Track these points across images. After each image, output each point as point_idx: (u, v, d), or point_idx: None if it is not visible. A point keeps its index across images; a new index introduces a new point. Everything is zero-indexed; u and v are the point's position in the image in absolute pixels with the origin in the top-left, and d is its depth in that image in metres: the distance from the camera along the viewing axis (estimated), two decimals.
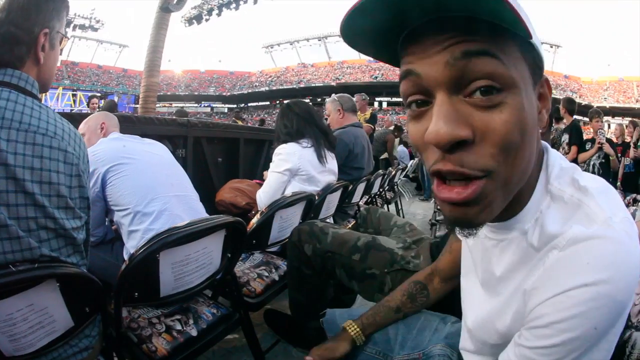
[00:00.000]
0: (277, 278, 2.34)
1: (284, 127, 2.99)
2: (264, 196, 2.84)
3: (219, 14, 24.21)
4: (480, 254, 0.87)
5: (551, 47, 62.39)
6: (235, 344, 2.43)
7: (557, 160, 0.78)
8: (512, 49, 0.63)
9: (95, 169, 1.96)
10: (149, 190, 2.02)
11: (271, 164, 2.93)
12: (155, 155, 2.24)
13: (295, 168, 2.87)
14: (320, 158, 2.97)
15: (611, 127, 6.94)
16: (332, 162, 3.15)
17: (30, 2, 1.30)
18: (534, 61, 0.67)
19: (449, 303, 1.31)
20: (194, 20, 24.86)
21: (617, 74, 63.07)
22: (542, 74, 0.71)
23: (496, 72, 0.60)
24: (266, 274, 2.32)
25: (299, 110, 3.04)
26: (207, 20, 24.63)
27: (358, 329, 1.30)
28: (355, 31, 0.67)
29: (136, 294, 1.52)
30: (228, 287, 1.97)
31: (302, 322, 2.04)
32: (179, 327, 1.67)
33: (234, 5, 23.58)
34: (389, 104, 60.07)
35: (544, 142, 0.80)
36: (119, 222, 2.04)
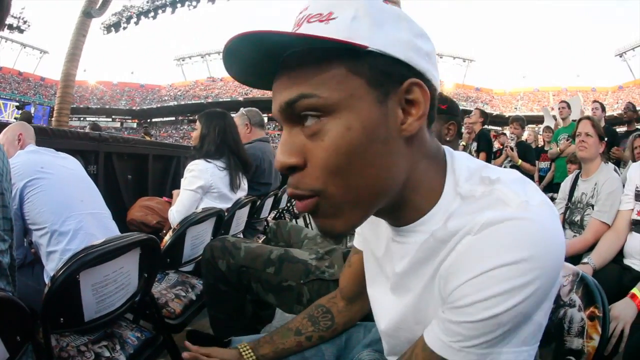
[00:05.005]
0: (194, 297, 2.32)
1: (203, 138, 3.01)
2: (177, 215, 2.79)
3: (137, 23, 24.06)
4: (388, 258, 0.89)
5: (464, 61, 65.76)
6: None
7: (463, 163, 0.79)
8: (334, 73, 0.65)
9: (13, 183, 1.85)
10: (64, 207, 1.97)
11: (183, 181, 2.89)
12: (70, 170, 2.18)
13: (207, 185, 2.86)
14: (233, 180, 3.00)
15: (525, 133, 7.47)
16: (243, 184, 3.19)
17: None
18: (377, 70, 0.67)
19: None
20: (112, 28, 24.42)
21: (533, 85, 67.53)
22: (401, 80, 0.69)
23: (312, 106, 0.65)
24: (183, 293, 2.29)
25: (230, 132, 3.10)
26: (124, 28, 24.33)
27: (249, 349, 1.23)
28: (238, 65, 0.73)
29: (62, 319, 1.47)
30: (148, 309, 1.93)
31: (225, 340, 2.03)
32: (107, 354, 1.63)
33: (152, 14, 23.54)
34: None
35: (447, 148, 0.83)
36: (37, 243, 1.96)
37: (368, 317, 1.31)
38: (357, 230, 1.11)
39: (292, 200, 5.17)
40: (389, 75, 0.68)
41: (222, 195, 2.94)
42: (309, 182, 0.67)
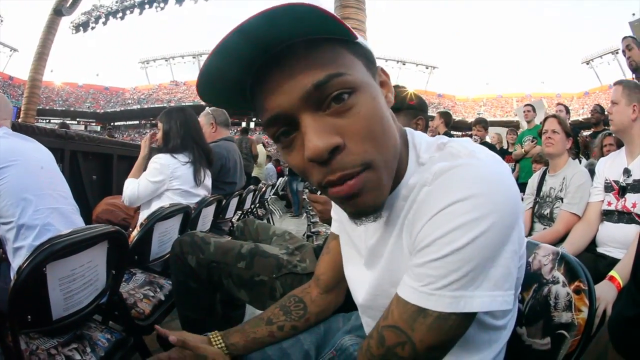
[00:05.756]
0: (163, 298, 2.27)
1: (167, 134, 3.00)
2: (129, 192, 2.85)
3: (105, 23, 24.13)
4: (363, 235, 0.95)
5: (427, 68, 67.01)
6: None
7: (422, 138, 0.88)
8: (347, 56, 0.72)
9: None
10: (32, 198, 1.89)
11: (147, 170, 2.90)
12: (40, 160, 2.09)
13: (166, 181, 2.87)
14: (197, 173, 3.00)
15: (488, 136, 7.84)
16: (207, 180, 3.19)
17: None
18: (366, 57, 0.77)
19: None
20: (81, 27, 24.29)
21: (496, 91, 69.15)
22: (375, 66, 0.81)
23: (344, 83, 0.69)
24: (152, 293, 2.24)
25: (192, 124, 3.08)
26: (92, 28, 24.40)
27: (219, 337, 1.20)
28: (211, 87, 0.75)
29: (29, 317, 1.40)
30: (117, 310, 1.88)
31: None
32: (78, 357, 1.58)
33: (120, 15, 23.66)
34: (257, 123, 60.63)
35: (407, 128, 0.91)
36: (4, 237, 1.88)
37: (342, 309, 1.32)
38: (334, 216, 1.18)
39: (256, 201, 5.19)
40: (371, 62, 0.79)
41: (185, 192, 2.95)
42: (355, 158, 0.70)
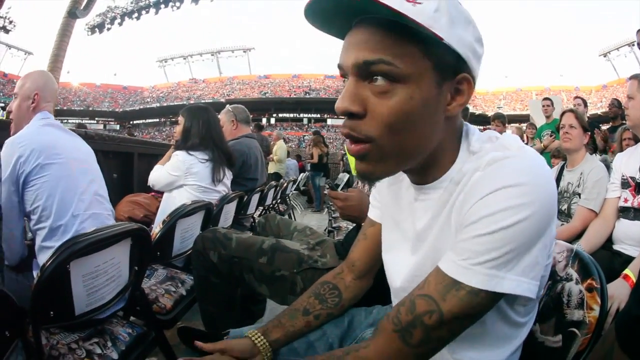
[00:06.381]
0: (184, 293, 2.30)
1: (187, 131, 3.04)
2: (152, 177, 3.03)
3: (120, 23, 24.11)
4: (410, 218, 0.99)
5: None
6: None
7: (475, 130, 0.94)
8: (413, 51, 0.77)
9: (19, 166, 1.79)
10: (71, 202, 1.89)
11: (169, 162, 2.99)
12: (81, 160, 2.08)
13: (182, 176, 2.91)
14: (215, 172, 3.03)
15: (508, 131, 7.77)
16: (226, 179, 3.22)
17: None
18: (443, 59, 0.79)
19: (376, 295, 1.29)
20: (96, 29, 24.34)
21: (515, 85, 68.81)
22: (456, 72, 0.82)
23: (389, 72, 0.76)
24: (173, 289, 2.27)
25: (214, 125, 3.12)
26: (108, 29, 24.35)
27: (260, 336, 1.17)
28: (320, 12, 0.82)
29: (51, 312, 1.41)
30: (138, 305, 1.90)
31: (217, 335, 2.00)
32: (99, 350, 1.59)
33: (136, 15, 23.59)
34: (277, 119, 60.83)
35: (464, 122, 0.95)
36: (34, 233, 1.88)
37: (364, 302, 1.32)
38: (373, 202, 1.23)
39: (278, 197, 5.18)
40: (450, 66, 0.81)
41: (202, 188, 2.98)
42: (366, 129, 0.80)
